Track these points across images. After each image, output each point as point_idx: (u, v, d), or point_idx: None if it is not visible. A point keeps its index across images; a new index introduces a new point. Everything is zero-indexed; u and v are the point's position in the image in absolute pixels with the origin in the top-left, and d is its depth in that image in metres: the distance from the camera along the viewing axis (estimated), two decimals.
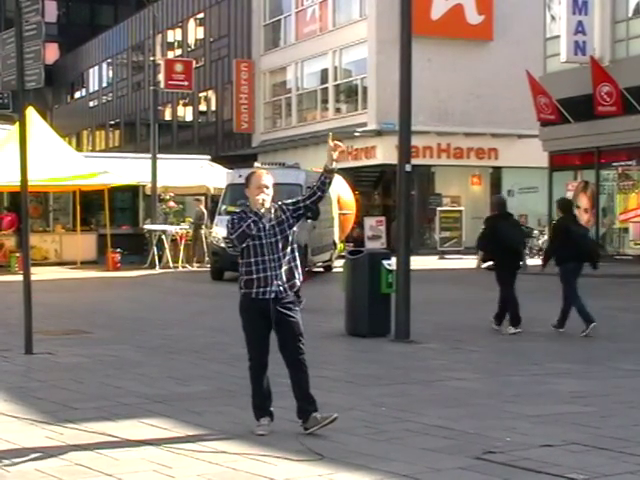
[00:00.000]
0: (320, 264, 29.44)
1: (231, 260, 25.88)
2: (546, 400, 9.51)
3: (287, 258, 7.92)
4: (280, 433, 8.00)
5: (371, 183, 44.38)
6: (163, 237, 31.15)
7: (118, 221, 35.45)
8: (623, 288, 24.14)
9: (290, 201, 8.07)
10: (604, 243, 32.57)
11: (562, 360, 12.20)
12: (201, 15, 56.44)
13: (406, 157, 14.61)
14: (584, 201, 32.95)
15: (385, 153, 38.74)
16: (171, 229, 31.60)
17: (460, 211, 38.78)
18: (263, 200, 7.88)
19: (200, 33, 57.29)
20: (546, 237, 35.83)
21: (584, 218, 32.71)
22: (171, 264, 30.71)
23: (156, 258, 30.91)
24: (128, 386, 10.25)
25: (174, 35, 59.32)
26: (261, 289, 7.85)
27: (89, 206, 34.29)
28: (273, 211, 7.95)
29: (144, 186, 34.71)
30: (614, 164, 32.13)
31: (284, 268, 7.89)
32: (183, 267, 30.75)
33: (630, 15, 31.01)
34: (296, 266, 8.01)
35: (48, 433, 8.03)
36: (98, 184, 30.68)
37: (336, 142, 7.93)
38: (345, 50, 44.40)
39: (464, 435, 7.91)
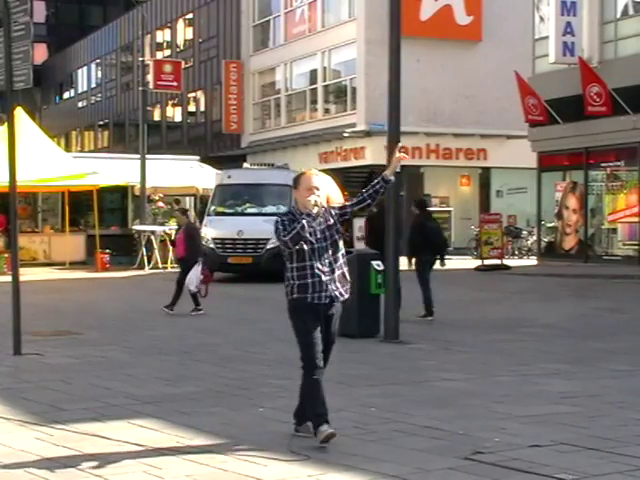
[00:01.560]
0: None
1: (220, 261, 26.06)
2: (535, 400, 9.52)
3: (339, 263, 7.77)
4: (270, 434, 8.00)
5: (360, 184, 44.25)
6: (152, 238, 31.12)
7: (107, 222, 35.39)
8: (612, 289, 24.20)
9: (337, 205, 7.90)
10: (593, 244, 32.65)
11: (551, 361, 12.22)
12: (190, 16, 56.39)
13: None
14: (573, 202, 33.01)
15: (374, 154, 38.76)
16: (160, 230, 31.58)
17: (449, 212, 38.84)
18: (315, 201, 7.61)
19: (189, 34, 57.22)
20: (535, 238, 35.97)
21: (573, 219, 32.82)
22: (160, 265, 30.68)
23: (145, 259, 30.89)
24: (117, 387, 10.24)
25: (163, 36, 59.25)
26: (316, 294, 7.66)
27: (78, 207, 34.23)
28: (323, 215, 7.73)
29: (133, 187, 34.67)
30: (603, 165, 32.18)
31: (337, 273, 7.74)
32: (172, 267, 30.72)
33: (618, 16, 31.08)
34: (347, 271, 7.88)
35: (37, 434, 8.01)
36: (87, 185, 30.65)
37: (402, 154, 7.90)
38: (334, 51, 44.39)
39: (453, 435, 7.92)
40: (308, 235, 7.58)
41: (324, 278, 7.65)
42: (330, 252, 7.71)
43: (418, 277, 17.46)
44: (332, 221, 7.74)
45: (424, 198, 19.63)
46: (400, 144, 8.04)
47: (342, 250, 7.82)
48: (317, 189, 7.68)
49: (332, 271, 7.70)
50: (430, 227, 17.94)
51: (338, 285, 7.73)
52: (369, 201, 7.79)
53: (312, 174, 7.79)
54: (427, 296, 17.25)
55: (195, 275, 17.55)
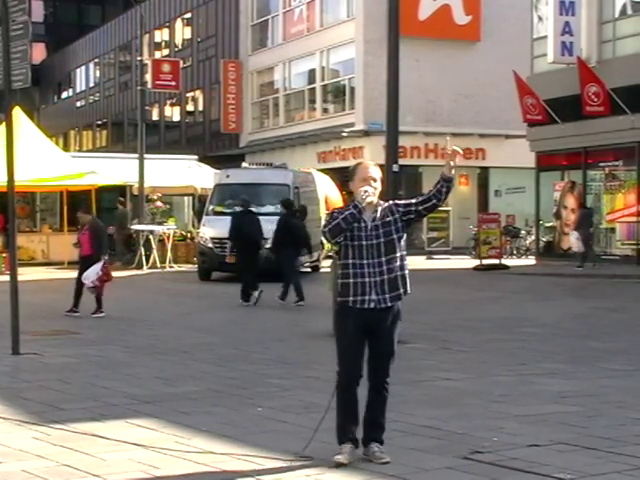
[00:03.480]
0: (307, 264, 29.44)
1: (218, 260, 26.02)
2: (533, 400, 9.52)
3: (392, 265, 7.03)
4: (268, 433, 8.00)
5: None
6: (150, 237, 31.11)
7: (105, 221, 35.28)
8: (610, 288, 24.20)
9: (402, 202, 7.23)
10: (591, 243, 32.64)
11: (549, 360, 12.22)
12: (188, 15, 56.40)
13: (393, 157, 14.64)
14: (571, 201, 33.01)
15: (373, 153, 38.75)
16: (158, 229, 31.57)
17: (447, 211, 38.81)
18: (366, 192, 6.95)
19: (187, 33, 57.24)
20: (533, 237, 35.98)
21: (571, 218, 32.81)
22: (158, 264, 30.67)
23: (143, 258, 30.87)
24: (115, 386, 10.23)
25: (161, 35, 59.26)
26: (359, 297, 6.99)
27: (76, 206, 34.13)
28: (380, 210, 7.10)
29: (131, 186, 34.64)
30: (601, 164, 32.19)
31: (389, 276, 7.01)
32: (170, 267, 30.72)
33: (617, 16, 31.08)
34: (403, 276, 7.11)
35: (35, 434, 8.00)
36: (85, 184, 30.62)
37: (454, 148, 7.13)
38: (333, 50, 44.42)
39: (452, 435, 7.92)
40: (350, 227, 6.97)
41: (368, 279, 6.99)
42: (383, 251, 7.01)
43: (286, 268, 19.54)
44: (391, 218, 7.08)
45: (289, 199, 22.24)
46: (448, 138, 7.33)
47: (402, 252, 7.10)
48: (374, 180, 7.07)
49: (380, 273, 7.00)
50: (293, 224, 20.10)
51: (386, 289, 7.01)
52: (434, 201, 7.09)
53: (369, 164, 7.21)
54: (296, 283, 19.35)
55: (94, 272, 17.03)
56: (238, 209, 21.95)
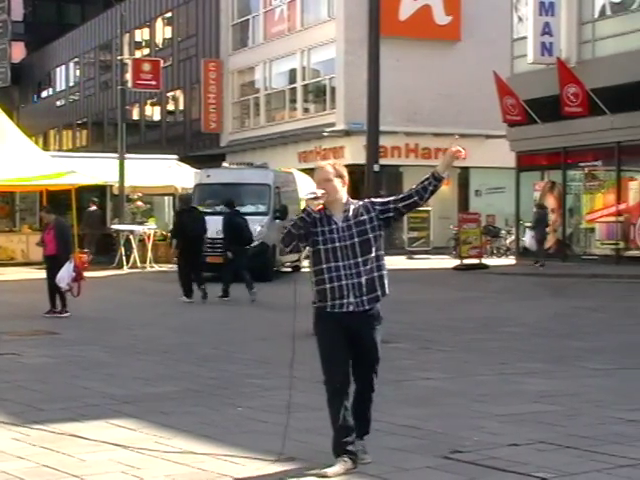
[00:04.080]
0: (288, 264, 29.45)
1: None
2: (514, 399, 9.54)
3: (369, 266, 6.80)
4: (248, 433, 7.99)
5: None
6: (131, 237, 31.03)
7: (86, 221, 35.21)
8: (590, 288, 24.29)
9: (379, 200, 7.00)
10: (571, 243, 32.77)
11: (530, 359, 12.25)
12: (169, 14, 56.30)
13: (374, 157, 14.66)
14: (551, 201, 33.11)
15: (353, 153, 38.76)
16: (139, 229, 31.50)
17: (428, 211, 38.86)
18: (313, 193, 6.78)
19: (168, 32, 57.15)
20: (513, 237, 36.07)
21: (551, 218, 32.91)
22: (139, 264, 30.60)
23: (124, 258, 30.79)
24: (95, 387, 10.20)
25: (142, 34, 59.13)
26: (337, 301, 6.76)
27: (56, 206, 33.97)
28: (352, 209, 6.85)
29: (112, 186, 34.56)
30: (581, 164, 32.31)
31: (365, 277, 6.78)
32: (151, 267, 30.64)
33: (596, 17, 31.20)
34: (381, 277, 6.88)
35: (14, 434, 7.97)
36: (65, 184, 30.45)
37: (458, 147, 6.96)
38: (313, 50, 44.41)
39: (432, 434, 7.93)
40: (302, 233, 6.76)
41: (345, 282, 6.76)
42: (358, 252, 6.77)
43: (229, 264, 20.87)
44: (366, 217, 6.83)
45: (231, 199, 22.76)
46: (457, 137, 7.16)
47: (378, 251, 6.86)
48: (326, 181, 6.80)
49: (359, 274, 6.76)
50: (237, 222, 21.08)
51: (364, 291, 6.78)
52: (416, 198, 6.86)
53: (323, 165, 6.94)
54: (227, 280, 20.46)
55: (67, 272, 16.95)
56: (184, 208, 22.27)
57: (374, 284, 6.84)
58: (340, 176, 6.86)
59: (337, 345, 6.78)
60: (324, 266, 6.78)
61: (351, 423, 6.80)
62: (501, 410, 8.94)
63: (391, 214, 6.90)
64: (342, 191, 6.87)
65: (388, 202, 6.93)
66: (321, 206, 6.81)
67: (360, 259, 6.78)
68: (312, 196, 6.78)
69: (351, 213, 6.84)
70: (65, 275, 16.99)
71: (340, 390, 6.78)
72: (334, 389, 6.78)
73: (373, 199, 7.06)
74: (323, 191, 6.79)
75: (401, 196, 6.96)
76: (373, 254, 6.83)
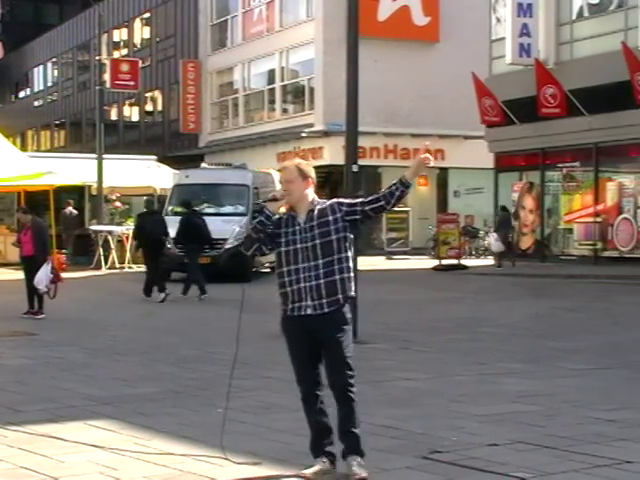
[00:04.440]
0: (267, 265, 29.40)
1: (178, 261, 25.96)
2: (493, 399, 9.57)
3: (330, 269, 6.57)
4: (228, 434, 7.97)
5: (318, 184, 44.07)
6: (109, 238, 30.94)
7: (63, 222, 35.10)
8: (568, 288, 24.38)
9: (347, 201, 6.77)
10: (549, 243, 32.90)
11: (509, 360, 12.28)
12: (147, 15, 56.17)
13: (353, 158, 14.64)
14: (529, 202, 33.24)
15: (332, 154, 38.80)
16: (117, 230, 31.41)
17: (407, 212, 38.92)
18: (273, 196, 6.72)
19: (146, 33, 57.01)
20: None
21: (529, 219, 33.04)
22: (117, 265, 30.52)
23: (102, 259, 30.70)
24: (74, 388, 10.17)
25: (120, 35, 58.96)
26: (296, 304, 6.61)
27: (34, 207, 33.83)
28: (317, 210, 6.65)
29: (90, 186, 34.45)
30: (559, 165, 32.44)
31: (325, 280, 6.56)
32: (129, 268, 30.56)
33: (574, 18, 31.33)
34: (343, 280, 6.61)
35: None
36: (43, 184, 30.33)
37: (427, 155, 6.71)
38: (292, 51, 44.41)
39: (411, 435, 7.94)
40: (261, 237, 6.64)
41: (303, 285, 6.57)
42: (319, 254, 6.56)
43: (189, 265, 21.41)
44: (330, 218, 6.63)
45: (189, 200, 23.55)
46: (428, 143, 6.93)
47: (342, 254, 6.61)
48: (287, 182, 6.70)
49: (317, 277, 6.56)
50: (195, 222, 21.61)
51: (323, 294, 6.57)
52: (382, 202, 6.63)
53: (285, 167, 6.84)
54: (197, 279, 20.91)
55: (44, 274, 16.88)
56: (145, 210, 22.81)
57: (335, 287, 6.60)
58: (305, 176, 6.71)
59: (300, 348, 6.68)
60: (284, 269, 6.65)
61: (327, 424, 6.73)
62: (480, 410, 8.96)
63: (357, 216, 6.67)
64: (307, 192, 6.70)
65: (355, 204, 6.69)
66: (283, 208, 6.71)
67: (320, 261, 6.58)
68: (271, 197, 6.71)
69: (316, 214, 6.65)
70: (43, 277, 16.92)
71: (309, 392, 6.73)
72: (304, 390, 6.76)
73: (341, 199, 6.83)
74: (282, 192, 6.70)
75: (369, 199, 6.73)
76: (335, 256, 6.60)
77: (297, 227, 6.65)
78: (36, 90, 72.32)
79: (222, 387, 9.86)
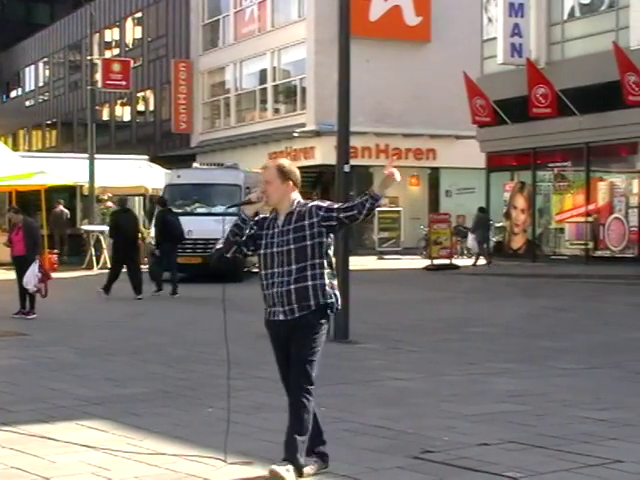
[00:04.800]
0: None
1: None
2: (484, 399, 9.58)
3: (303, 274, 6.42)
4: (219, 434, 7.97)
5: (310, 184, 44.38)
6: (101, 238, 30.89)
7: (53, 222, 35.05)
8: (559, 288, 24.42)
9: (325, 205, 6.51)
10: (541, 243, 32.95)
11: (499, 359, 12.30)
12: (139, 14, 56.12)
13: (345, 158, 14.65)
14: (521, 202, 33.28)
15: (324, 154, 38.82)
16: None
17: (398, 211, 38.96)
18: (249, 199, 6.60)
19: (138, 33, 56.96)
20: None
21: (521, 218, 33.09)
22: (109, 265, 30.43)
23: (94, 259, 30.65)
24: (65, 388, 10.16)
25: (112, 34, 58.91)
26: (271, 309, 6.54)
27: (25, 207, 33.77)
28: (296, 213, 6.48)
29: (82, 186, 34.41)
30: (550, 165, 32.50)
31: (296, 285, 6.42)
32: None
33: (565, 18, 31.38)
34: (315, 286, 6.44)
35: None
36: (35, 184, 30.31)
37: (392, 170, 6.38)
38: (284, 50, 44.41)
39: (403, 435, 7.95)
40: (238, 240, 6.58)
41: (276, 289, 6.47)
42: (293, 259, 6.43)
43: (167, 263, 22.04)
44: (306, 222, 6.45)
45: (164, 197, 24.77)
46: (394, 158, 6.63)
47: (317, 259, 6.44)
48: (265, 182, 6.57)
49: (289, 282, 6.43)
50: (169, 220, 22.19)
51: (294, 300, 6.44)
52: (355, 212, 6.42)
53: (268, 166, 6.71)
54: (156, 274, 21.93)
55: (32, 274, 16.89)
56: (120, 209, 23.03)
57: (307, 293, 6.44)
58: (286, 178, 6.54)
59: (277, 350, 6.68)
60: (262, 272, 6.60)
61: (312, 426, 6.63)
62: (471, 410, 8.98)
63: (333, 223, 6.45)
64: (287, 194, 6.54)
65: (333, 209, 6.47)
66: (265, 210, 6.60)
67: (294, 267, 6.44)
68: (246, 200, 6.61)
69: (294, 217, 6.48)
70: (31, 277, 16.92)
71: (288, 394, 6.67)
72: (285, 389, 6.72)
73: (320, 203, 6.56)
74: (258, 194, 6.57)
75: (345, 206, 6.55)
76: (309, 262, 6.43)
77: (276, 230, 6.51)
78: (27, 90, 72.21)
79: (212, 387, 9.87)
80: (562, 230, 32.09)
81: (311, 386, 6.54)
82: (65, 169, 33.08)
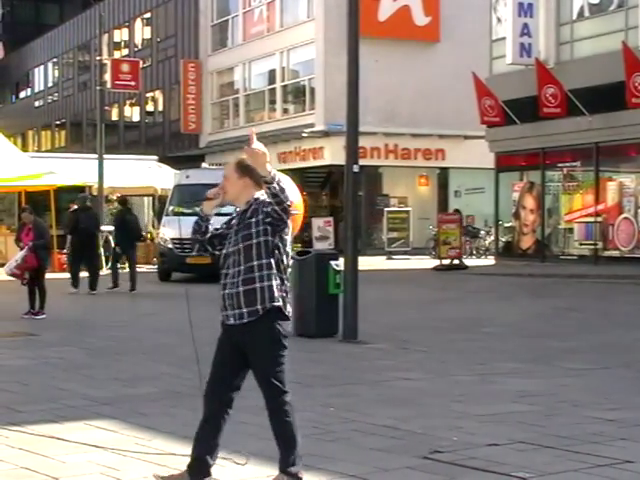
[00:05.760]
0: None
1: (178, 261, 25.98)
2: (492, 399, 9.57)
3: (250, 275, 6.09)
4: (227, 434, 7.97)
5: (319, 184, 44.44)
6: (110, 238, 30.91)
7: (64, 222, 35.10)
8: (568, 288, 24.39)
9: (269, 200, 6.05)
10: (549, 243, 32.90)
11: (508, 359, 12.29)
12: (148, 15, 56.18)
13: (354, 158, 14.65)
14: (530, 202, 33.24)
15: (333, 154, 38.81)
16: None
17: (407, 212, 38.96)
18: (206, 196, 6.40)
19: (147, 33, 57.03)
20: (492, 237, 36.17)
21: (530, 219, 33.05)
22: (118, 265, 30.46)
23: (103, 259, 30.68)
24: (75, 388, 10.17)
25: (121, 35, 58.98)
26: (223, 312, 6.26)
27: (35, 207, 33.72)
28: (250, 210, 6.18)
29: (91, 187, 34.44)
30: (559, 165, 32.46)
31: (242, 288, 6.10)
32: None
33: (574, 18, 31.34)
34: (263, 289, 6.10)
35: None
36: (44, 185, 30.40)
37: (249, 147, 6.03)
38: (293, 51, 44.42)
39: (411, 435, 7.94)
40: (200, 237, 6.35)
41: (228, 291, 6.16)
42: (242, 259, 6.11)
43: (128, 260, 23.49)
44: (253, 220, 6.12)
45: (125, 197, 26.26)
46: (253, 130, 6.22)
47: (263, 260, 6.08)
48: (225, 178, 6.32)
49: (237, 284, 6.10)
50: (128, 219, 23.30)
51: (242, 303, 6.10)
52: (275, 205, 5.97)
53: (230, 162, 6.45)
54: (114, 271, 23.11)
55: (14, 259, 17.19)
56: (76, 206, 23.85)
57: (254, 295, 6.08)
58: (244, 174, 6.22)
59: (221, 357, 6.40)
60: (221, 272, 6.28)
61: (211, 440, 6.53)
62: (480, 410, 8.97)
63: (269, 219, 6.06)
64: (246, 189, 6.24)
65: (271, 203, 6.04)
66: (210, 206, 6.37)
67: (242, 267, 6.11)
68: (205, 196, 6.42)
69: (247, 214, 6.17)
70: (12, 262, 17.11)
71: (207, 403, 6.52)
72: (204, 400, 6.54)
73: (267, 199, 6.08)
74: (216, 191, 6.34)
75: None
76: (255, 262, 6.09)
77: (234, 228, 6.25)
78: (37, 90, 72.34)
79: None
80: (571, 230, 32.03)
81: (284, 394, 6.29)
82: (74, 169, 33.16)
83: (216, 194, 6.37)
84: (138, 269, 30.55)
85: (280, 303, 6.15)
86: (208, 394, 6.48)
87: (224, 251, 6.26)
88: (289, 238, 6.24)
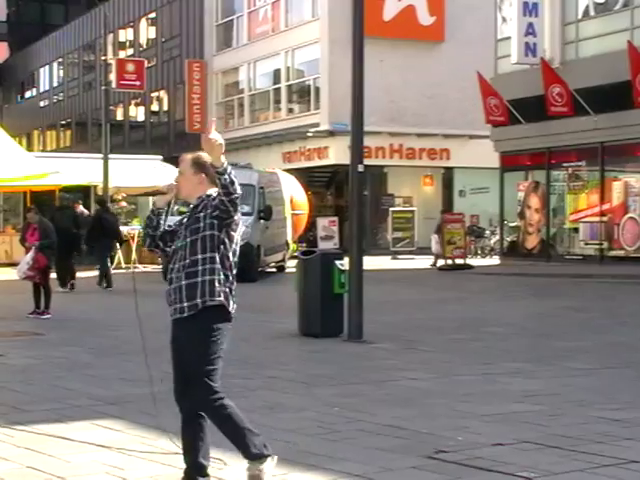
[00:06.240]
0: (273, 264, 29.45)
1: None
2: (497, 399, 9.57)
3: (194, 269, 6.02)
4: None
5: (324, 183, 44.43)
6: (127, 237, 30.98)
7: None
8: (573, 288, 24.37)
9: (219, 190, 5.95)
10: (555, 243, 32.88)
11: (513, 359, 12.28)
12: (153, 15, 56.22)
13: (358, 157, 14.65)
14: (535, 201, 33.22)
15: (338, 153, 38.80)
16: (123, 229, 31.41)
17: (412, 211, 38.95)
18: (159, 189, 6.36)
19: (152, 33, 57.07)
20: (497, 237, 36.17)
21: (535, 218, 33.03)
22: (123, 264, 30.54)
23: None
24: (80, 388, 10.18)
25: (126, 35, 59.03)
26: (169, 307, 6.24)
27: (40, 207, 33.88)
28: (201, 205, 6.11)
29: (96, 186, 34.49)
30: (564, 165, 32.43)
31: (185, 282, 6.04)
32: (135, 267, 30.58)
33: (579, 17, 31.32)
34: (204, 283, 6.02)
35: None
36: (49, 184, 30.46)
37: (206, 135, 5.87)
38: (297, 50, 44.42)
39: (416, 435, 7.94)
40: (152, 232, 6.33)
41: (172, 286, 6.14)
42: (188, 253, 6.05)
43: (99, 258, 24.04)
44: (201, 214, 6.07)
45: (102, 197, 27.26)
46: (214, 120, 6.34)
47: (208, 253, 6.02)
48: (179, 173, 6.26)
49: (180, 278, 6.07)
50: (105, 218, 23.94)
51: (184, 297, 6.06)
52: (222, 196, 5.89)
53: (183, 156, 6.36)
54: (104, 270, 23.56)
55: (24, 262, 17.05)
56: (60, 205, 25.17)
57: (195, 290, 6.02)
58: (198, 170, 6.14)
59: (172, 354, 6.40)
60: (169, 267, 6.25)
61: (193, 441, 6.43)
62: (485, 410, 8.96)
63: (217, 212, 5.97)
64: (200, 186, 6.17)
65: (216, 196, 5.99)
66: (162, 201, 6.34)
67: (187, 260, 6.05)
68: (157, 190, 6.38)
69: (197, 209, 6.12)
70: (22, 265, 17.08)
71: (176, 399, 6.45)
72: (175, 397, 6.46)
73: (215, 194, 6.04)
74: (168, 185, 6.31)
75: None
76: (199, 256, 6.01)
77: (184, 224, 6.19)
78: (42, 90, 72.43)
79: (225, 386, 9.87)
80: (576, 230, 32.01)
81: (215, 394, 6.26)
82: (79, 169, 33.20)
83: (169, 189, 6.31)
84: (143, 269, 30.69)
85: (221, 298, 6.07)
86: (176, 397, 6.41)
87: (173, 247, 6.22)
88: (237, 236, 6.15)
